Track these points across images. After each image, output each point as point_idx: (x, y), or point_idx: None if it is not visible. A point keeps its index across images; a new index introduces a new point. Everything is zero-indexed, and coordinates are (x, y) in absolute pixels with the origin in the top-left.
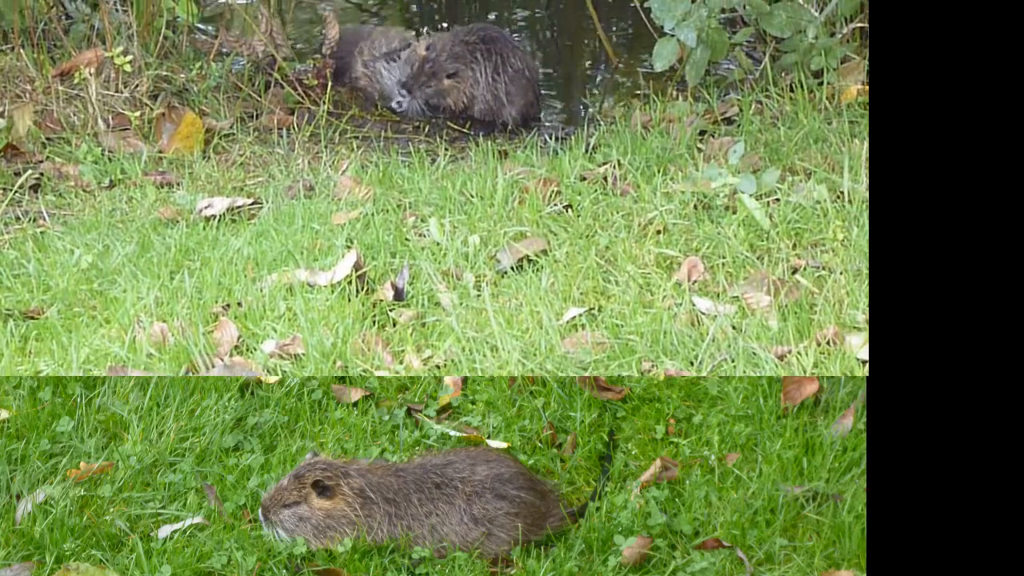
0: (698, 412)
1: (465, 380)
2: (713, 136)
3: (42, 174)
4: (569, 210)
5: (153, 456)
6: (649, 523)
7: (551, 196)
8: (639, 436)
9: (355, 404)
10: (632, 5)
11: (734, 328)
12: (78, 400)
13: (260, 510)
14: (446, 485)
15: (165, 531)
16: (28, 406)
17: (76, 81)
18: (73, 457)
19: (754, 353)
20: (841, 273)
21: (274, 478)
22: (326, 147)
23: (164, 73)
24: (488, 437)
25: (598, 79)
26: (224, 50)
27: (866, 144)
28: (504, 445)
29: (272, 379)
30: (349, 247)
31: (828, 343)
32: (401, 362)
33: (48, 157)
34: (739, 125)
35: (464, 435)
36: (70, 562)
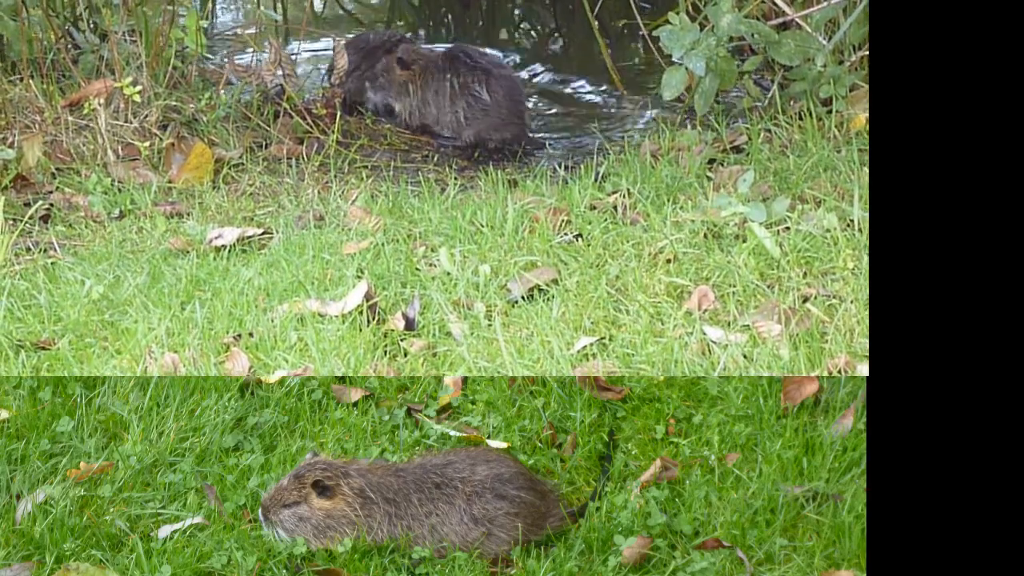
0: (698, 412)
1: (465, 380)
2: (722, 165)
3: (52, 205)
4: (579, 239)
5: (153, 456)
6: (649, 523)
7: (561, 225)
8: (639, 436)
9: (355, 404)
10: (641, 34)
11: (745, 357)
12: (78, 400)
13: (260, 510)
14: (446, 485)
15: (165, 531)
16: (28, 406)
17: (85, 112)
18: (73, 457)
19: None
20: (852, 302)
21: (274, 478)
22: (336, 177)
23: (173, 103)
24: (488, 437)
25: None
26: (232, 80)
27: None
28: (504, 445)
29: (272, 379)
30: (360, 277)
31: (839, 372)
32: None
33: (58, 188)
34: (748, 153)
35: (464, 435)
36: (70, 562)
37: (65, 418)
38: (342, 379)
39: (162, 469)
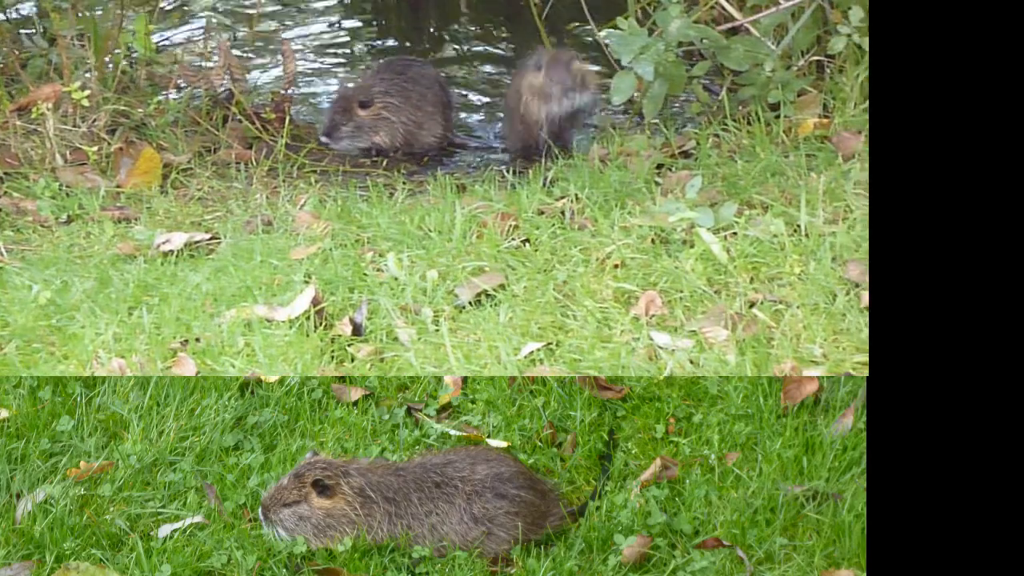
0: (698, 411)
1: (465, 379)
2: (671, 170)
3: (0, 209)
4: (527, 244)
5: (153, 455)
6: (649, 522)
7: (509, 230)
8: (639, 435)
9: (355, 403)
10: (590, 40)
11: (692, 363)
12: (78, 399)
13: (260, 509)
14: (446, 484)
15: (165, 530)
16: (28, 405)
17: (34, 116)
18: (73, 456)
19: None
20: (798, 307)
21: (274, 477)
22: (284, 181)
23: (122, 108)
24: (488, 436)
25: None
26: (181, 84)
27: (823, 177)
28: (504, 444)
29: (272, 378)
30: (307, 282)
31: (785, 377)
32: None
33: (6, 192)
34: (697, 159)
35: (464, 434)
36: (70, 561)
37: (65, 417)
38: (342, 379)
39: (162, 468)
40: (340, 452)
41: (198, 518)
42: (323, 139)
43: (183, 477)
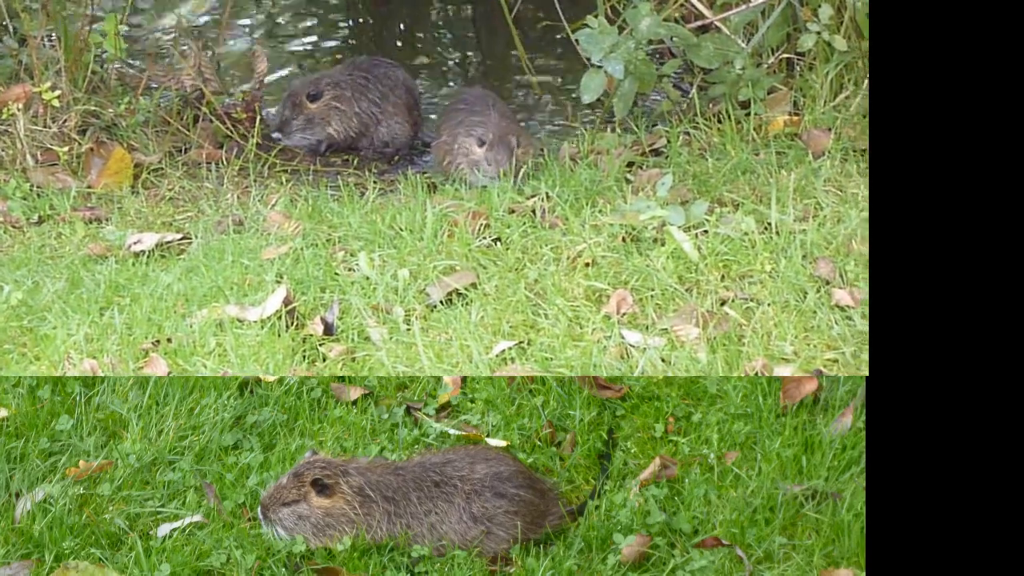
0: (697, 410)
1: (464, 379)
2: (641, 168)
3: None
4: (498, 243)
5: (152, 454)
6: (648, 521)
7: (480, 229)
8: (638, 434)
9: (354, 402)
10: (559, 37)
11: (663, 361)
12: (77, 398)
13: (259, 508)
14: (445, 483)
15: (164, 529)
16: (27, 404)
17: (4, 116)
18: (72, 455)
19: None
20: (769, 305)
21: (273, 476)
22: (255, 181)
23: (92, 108)
24: (487, 435)
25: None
26: (152, 84)
27: (793, 175)
28: (503, 443)
29: (271, 378)
30: (279, 282)
31: (756, 375)
32: None
33: None
34: (667, 156)
35: (463, 433)
36: (69, 560)
37: (64, 416)
38: (341, 378)
39: (161, 467)
40: (339, 451)
41: (197, 517)
42: (275, 135)
43: (182, 476)
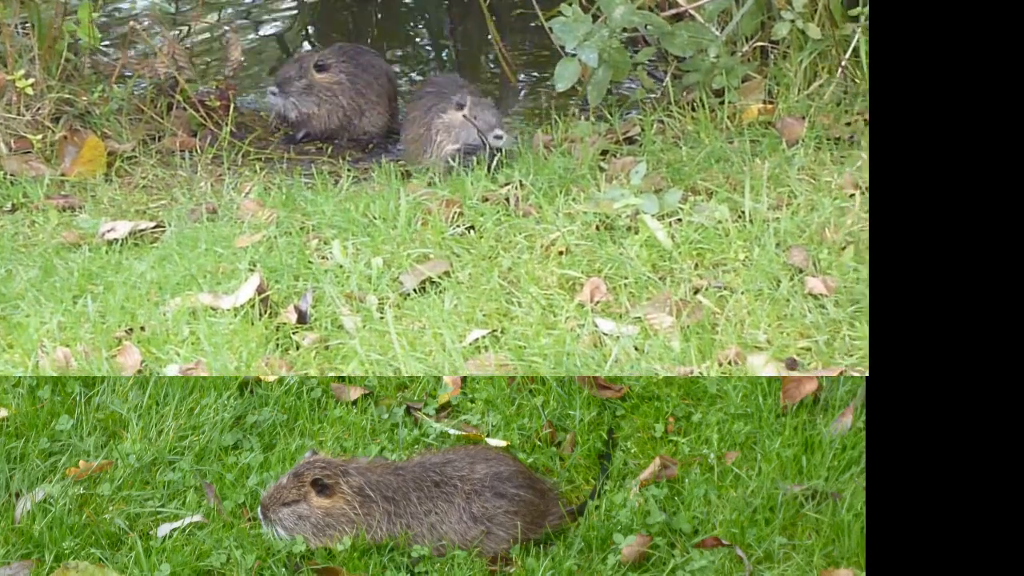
0: (697, 410)
1: (464, 379)
2: (615, 156)
3: None
4: (472, 231)
5: (152, 454)
6: (648, 521)
7: (454, 218)
8: (638, 434)
9: (354, 402)
10: (533, 25)
11: (636, 349)
12: (77, 398)
13: (259, 508)
14: (445, 483)
15: (164, 529)
16: (27, 404)
17: None
18: (72, 455)
19: (657, 374)
20: (742, 293)
21: (273, 476)
22: (229, 169)
23: (66, 96)
24: (487, 435)
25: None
26: (126, 72)
27: (767, 163)
28: (503, 443)
29: (271, 377)
30: (252, 270)
31: (730, 363)
32: None
33: None
34: (641, 145)
35: (463, 433)
36: (69, 560)
37: (64, 416)
38: (341, 378)
39: (161, 467)
40: (339, 451)
41: (197, 517)
42: (272, 89)
43: (182, 476)
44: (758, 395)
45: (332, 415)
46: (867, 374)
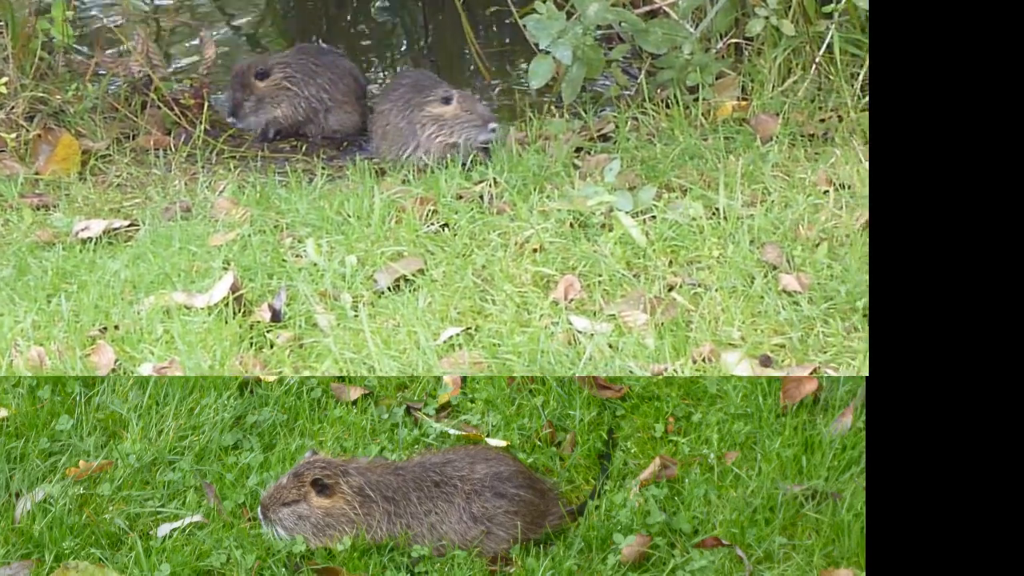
0: (697, 410)
1: (464, 379)
2: (589, 153)
3: None
4: (446, 229)
5: (152, 454)
6: (648, 521)
7: (428, 215)
8: (638, 434)
9: (354, 402)
10: (508, 23)
11: (611, 347)
12: (77, 398)
13: (259, 508)
14: (445, 483)
15: (164, 529)
16: (27, 404)
17: None
18: (72, 455)
19: (631, 371)
20: (717, 290)
21: (273, 476)
22: (203, 168)
23: (40, 94)
24: (487, 435)
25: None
26: (100, 71)
27: (741, 160)
28: (503, 443)
29: (271, 377)
30: (226, 269)
31: (704, 360)
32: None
33: None
34: (615, 142)
35: (463, 433)
36: (69, 560)
37: (64, 416)
38: (341, 378)
39: (161, 467)
40: (339, 451)
41: (197, 517)
42: (229, 120)
43: (182, 476)
44: (758, 395)
45: (332, 415)
46: (867, 374)
